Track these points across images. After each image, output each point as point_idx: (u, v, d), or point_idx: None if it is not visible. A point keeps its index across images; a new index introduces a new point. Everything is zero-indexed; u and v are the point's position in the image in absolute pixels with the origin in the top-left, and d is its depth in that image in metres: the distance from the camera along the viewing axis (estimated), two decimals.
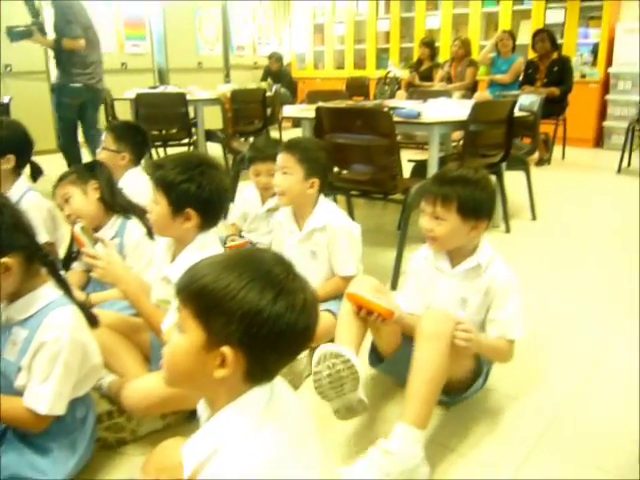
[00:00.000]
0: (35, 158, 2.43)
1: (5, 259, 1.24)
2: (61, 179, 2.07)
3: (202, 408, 1.01)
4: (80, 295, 1.98)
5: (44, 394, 1.28)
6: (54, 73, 4.61)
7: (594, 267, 2.95)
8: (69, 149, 4.59)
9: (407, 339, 1.63)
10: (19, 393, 1.31)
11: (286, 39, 9.77)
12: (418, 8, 8.13)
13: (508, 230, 3.56)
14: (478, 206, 1.60)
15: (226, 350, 0.87)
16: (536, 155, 5.54)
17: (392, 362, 1.71)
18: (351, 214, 3.27)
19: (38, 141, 4.94)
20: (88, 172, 2.09)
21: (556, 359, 2.05)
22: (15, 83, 5.94)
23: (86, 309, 1.41)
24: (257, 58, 9.24)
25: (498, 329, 1.64)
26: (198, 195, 1.56)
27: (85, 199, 2.04)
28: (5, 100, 4.16)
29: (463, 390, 1.66)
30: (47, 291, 1.34)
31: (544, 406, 1.77)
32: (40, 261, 1.33)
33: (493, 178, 3.56)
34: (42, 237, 2.24)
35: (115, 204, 2.08)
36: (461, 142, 3.52)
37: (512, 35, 6.36)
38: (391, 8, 8.43)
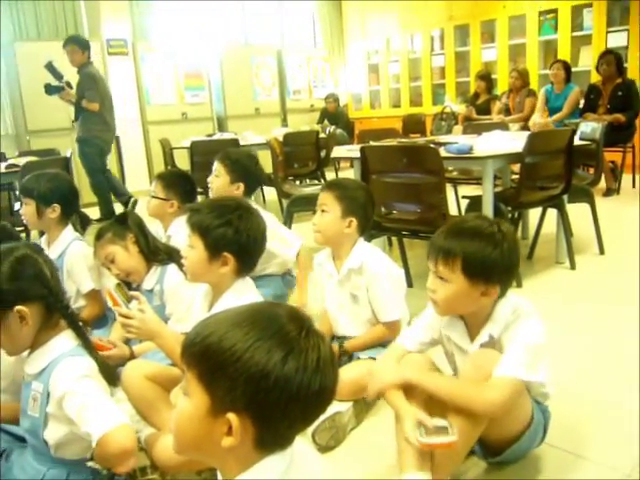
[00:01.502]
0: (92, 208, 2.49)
1: (20, 307, 1.24)
2: (98, 238, 2.10)
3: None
4: (125, 349, 1.98)
5: (100, 416, 1.22)
6: None
7: None
8: (99, 188, 5.43)
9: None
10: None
11: (342, 81, 9.89)
12: (473, 41, 8.07)
13: (573, 267, 3.33)
14: (488, 266, 1.37)
15: (231, 417, 0.79)
16: (603, 185, 5.27)
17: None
18: (403, 255, 3.16)
19: None
20: (121, 225, 2.11)
21: (628, 407, 1.83)
22: None
23: (108, 367, 1.38)
24: (313, 101, 9.37)
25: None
26: (236, 239, 1.57)
27: (128, 256, 2.06)
28: (67, 154, 4.38)
29: (510, 445, 1.47)
30: (61, 341, 1.32)
31: (618, 464, 1.56)
32: (60, 313, 1.31)
33: (554, 212, 3.40)
34: (87, 285, 2.29)
35: (153, 253, 2.09)
36: None
37: (565, 64, 5.99)
38: (445, 43, 8.40)
